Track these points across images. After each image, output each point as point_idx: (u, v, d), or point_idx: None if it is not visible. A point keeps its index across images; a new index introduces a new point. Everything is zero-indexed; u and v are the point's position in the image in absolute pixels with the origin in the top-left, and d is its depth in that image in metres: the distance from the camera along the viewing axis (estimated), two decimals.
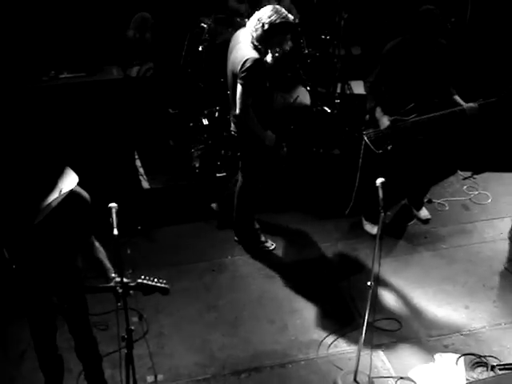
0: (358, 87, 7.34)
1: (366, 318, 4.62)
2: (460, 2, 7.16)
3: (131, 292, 4.05)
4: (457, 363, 5.01)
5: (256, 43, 5.24)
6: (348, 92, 7.39)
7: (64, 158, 5.44)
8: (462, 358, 5.06)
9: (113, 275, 4.18)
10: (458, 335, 5.28)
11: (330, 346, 5.18)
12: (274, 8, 5.20)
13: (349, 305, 5.50)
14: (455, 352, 5.11)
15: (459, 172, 6.94)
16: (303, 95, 6.74)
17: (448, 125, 5.91)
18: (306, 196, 6.56)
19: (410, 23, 5.57)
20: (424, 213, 6.38)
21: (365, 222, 6.23)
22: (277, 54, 5.51)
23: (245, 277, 5.78)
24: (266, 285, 5.70)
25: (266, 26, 5.16)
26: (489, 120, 6.72)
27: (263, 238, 6.04)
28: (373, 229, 6.11)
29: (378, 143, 5.73)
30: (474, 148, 7.06)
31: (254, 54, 5.22)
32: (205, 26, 6.68)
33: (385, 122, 5.62)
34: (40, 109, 5.96)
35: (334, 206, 6.44)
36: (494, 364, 4.99)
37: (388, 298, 5.53)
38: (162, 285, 4.16)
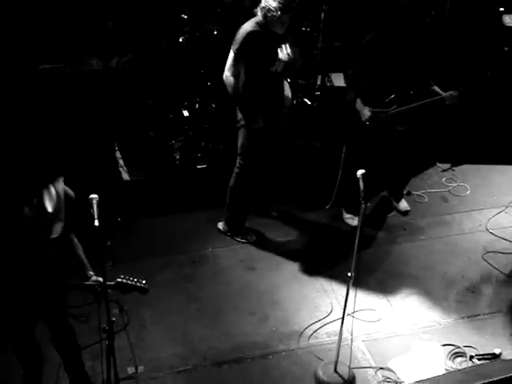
0: (339, 79, 7.35)
1: (346, 308, 4.65)
2: None
3: (109, 291, 4.05)
4: (436, 353, 5.06)
5: (261, 19, 5.37)
6: (328, 84, 7.39)
7: (46, 150, 5.43)
8: (442, 348, 5.10)
9: (90, 273, 4.19)
10: (438, 326, 5.34)
11: (310, 336, 5.21)
12: None
13: (329, 296, 5.53)
14: (434, 342, 5.16)
15: (438, 164, 6.99)
16: (286, 86, 6.72)
17: (428, 115, 5.95)
18: (286, 188, 6.57)
19: (389, 15, 5.60)
20: (403, 204, 6.42)
21: (345, 215, 6.25)
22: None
23: (226, 269, 5.78)
24: (247, 276, 5.71)
25: (274, 4, 5.26)
26: (466, 112, 6.77)
27: (244, 231, 6.06)
28: (353, 221, 6.14)
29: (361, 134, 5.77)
30: (452, 140, 7.11)
31: (249, 27, 5.37)
32: (185, 16, 6.64)
33: (366, 113, 5.63)
34: (20, 99, 5.92)
35: (315, 198, 6.46)
36: (473, 354, 5.05)
37: (368, 289, 5.56)
38: (141, 285, 4.19)
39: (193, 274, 5.72)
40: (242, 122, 5.64)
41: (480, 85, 5.72)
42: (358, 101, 5.65)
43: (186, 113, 6.76)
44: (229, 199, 5.98)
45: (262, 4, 5.34)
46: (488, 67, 7.01)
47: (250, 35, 5.37)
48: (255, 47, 5.40)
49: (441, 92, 5.73)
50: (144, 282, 4.20)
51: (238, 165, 5.84)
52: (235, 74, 5.47)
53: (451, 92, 5.66)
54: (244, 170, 5.82)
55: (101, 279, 4.02)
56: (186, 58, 6.65)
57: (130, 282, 4.15)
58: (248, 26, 5.41)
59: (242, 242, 6.03)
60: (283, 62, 5.53)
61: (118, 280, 4.13)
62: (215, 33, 6.61)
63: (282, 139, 6.04)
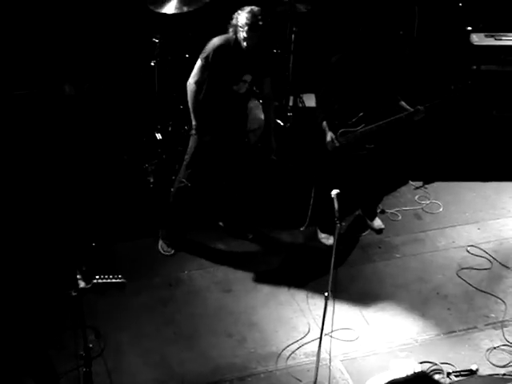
0: (310, 100, 7.41)
1: (324, 328, 4.65)
2: (408, 15, 7.29)
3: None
4: (413, 371, 5.07)
5: (231, 35, 5.46)
6: (300, 105, 7.45)
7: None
8: (419, 365, 5.12)
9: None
10: (414, 343, 5.36)
11: (288, 357, 5.21)
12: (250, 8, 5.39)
13: (306, 316, 5.54)
14: (412, 360, 5.18)
15: (410, 182, 7.04)
16: (256, 109, 6.76)
17: (397, 131, 6.01)
18: (261, 208, 6.58)
19: (354, 36, 5.70)
20: (377, 223, 6.46)
21: (320, 234, 6.27)
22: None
23: (202, 291, 5.76)
24: (224, 298, 5.70)
25: (242, 21, 5.35)
26: (436, 129, 6.84)
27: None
28: (328, 240, 6.16)
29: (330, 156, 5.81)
30: (423, 158, 7.17)
31: (218, 41, 5.49)
32: (156, 41, 6.66)
33: (327, 137, 5.74)
34: None
35: (290, 218, 6.47)
36: (450, 371, 5.07)
37: (344, 308, 5.57)
38: (118, 280, 4.09)
39: (169, 296, 5.69)
40: (193, 131, 5.74)
41: (445, 98, 5.81)
42: (324, 123, 5.73)
43: (159, 136, 6.76)
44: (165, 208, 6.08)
45: (233, 21, 5.43)
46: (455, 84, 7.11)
47: (219, 48, 5.47)
48: (221, 61, 5.49)
49: (408, 108, 5.81)
50: (120, 276, 4.11)
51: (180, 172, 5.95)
52: (198, 82, 5.57)
53: (418, 107, 5.74)
54: (182, 177, 5.91)
55: (81, 283, 3.97)
56: (158, 81, 6.66)
57: (105, 280, 4.06)
58: (218, 40, 5.51)
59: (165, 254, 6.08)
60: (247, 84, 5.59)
61: (94, 281, 4.03)
62: (187, 56, 6.62)
63: (242, 159, 6.05)
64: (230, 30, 5.47)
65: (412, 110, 5.76)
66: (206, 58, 5.50)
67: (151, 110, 6.87)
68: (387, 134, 5.88)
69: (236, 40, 5.47)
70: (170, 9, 6.41)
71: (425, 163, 7.16)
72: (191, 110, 5.67)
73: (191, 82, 5.60)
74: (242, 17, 5.37)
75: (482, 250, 6.17)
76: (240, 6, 5.51)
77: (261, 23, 5.36)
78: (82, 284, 3.96)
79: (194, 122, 5.70)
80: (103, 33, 6.96)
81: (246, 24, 5.35)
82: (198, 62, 5.56)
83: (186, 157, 5.87)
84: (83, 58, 6.84)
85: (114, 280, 4.10)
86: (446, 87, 5.87)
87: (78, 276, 3.92)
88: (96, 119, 6.72)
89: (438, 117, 6.36)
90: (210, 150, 5.79)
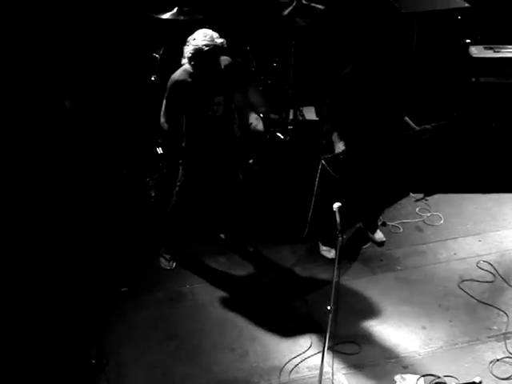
0: (310, 113, 7.43)
1: (326, 341, 4.65)
2: (407, 29, 7.32)
3: None
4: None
5: (188, 66, 5.34)
6: (300, 118, 7.47)
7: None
8: (422, 378, 5.12)
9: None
10: (417, 356, 5.35)
11: (291, 371, 5.19)
12: (203, 32, 5.24)
13: (309, 329, 5.52)
14: (414, 373, 5.17)
15: (411, 194, 7.05)
16: (256, 122, 6.78)
17: (402, 147, 6.04)
18: (261, 222, 6.58)
19: (364, 49, 5.71)
20: (379, 235, 6.46)
21: (322, 247, 6.27)
22: None
23: (204, 305, 5.75)
24: (226, 312, 5.69)
25: (191, 49, 5.21)
26: (436, 142, 6.85)
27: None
28: (330, 253, 6.16)
29: (335, 167, 5.79)
30: (424, 170, 7.19)
31: (176, 75, 5.37)
32: (157, 56, 6.70)
33: (340, 146, 5.68)
34: None
35: (291, 231, 6.48)
36: (453, 383, 5.07)
37: (347, 321, 5.56)
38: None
39: (170, 311, 5.68)
40: (181, 161, 5.73)
41: (451, 121, 5.84)
42: (335, 133, 5.71)
43: (159, 150, 6.78)
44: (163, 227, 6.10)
45: (184, 53, 5.29)
46: (456, 102, 7.13)
47: (175, 84, 5.36)
48: (183, 94, 5.37)
49: (411, 123, 5.83)
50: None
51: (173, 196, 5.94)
52: (169, 120, 5.49)
53: (425, 126, 5.77)
54: (176, 202, 5.90)
55: None
56: (158, 95, 6.68)
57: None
58: (176, 75, 5.40)
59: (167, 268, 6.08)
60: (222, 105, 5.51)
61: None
62: None
63: (236, 179, 6.04)
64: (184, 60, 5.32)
65: (416, 127, 5.79)
66: (167, 98, 5.42)
67: (152, 124, 6.89)
68: (392, 149, 5.92)
69: (192, 69, 5.33)
70: (167, 15, 6.55)
71: (425, 175, 7.18)
72: (170, 146, 5.63)
73: (162, 121, 5.52)
74: (187, 49, 5.21)
75: (487, 262, 6.16)
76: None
77: (207, 48, 5.16)
78: None
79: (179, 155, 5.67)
80: (103, 48, 7.00)
81: (192, 54, 5.20)
82: (164, 102, 5.48)
83: (177, 184, 5.83)
84: (84, 73, 6.86)
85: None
86: (448, 102, 5.89)
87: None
88: (97, 134, 6.73)
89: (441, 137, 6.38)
90: (200, 177, 5.77)
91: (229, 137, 5.74)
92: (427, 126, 5.78)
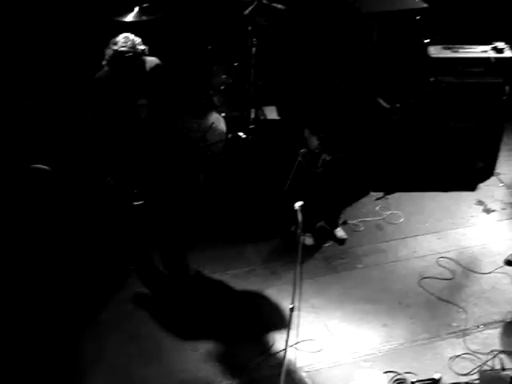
0: (271, 112, 7.45)
1: (289, 340, 4.67)
2: (367, 29, 7.38)
3: None
4: (378, 381, 5.11)
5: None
6: (262, 117, 7.48)
7: None
8: (383, 375, 5.16)
9: None
10: (378, 353, 5.40)
11: (253, 370, 5.20)
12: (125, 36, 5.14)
13: (271, 328, 5.54)
14: (376, 370, 5.22)
15: (372, 193, 7.10)
16: (218, 121, 6.79)
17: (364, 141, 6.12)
18: (223, 222, 6.58)
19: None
20: (340, 233, 6.50)
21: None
22: None
23: (166, 305, 5.74)
24: (188, 312, 5.68)
25: (110, 53, 5.10)
26: (395, 141, 6.91)
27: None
28: (309, 240, 6.25)
29: (312, 162, 5.85)
30: (384, 169, 7.25)
31: (98, 73, 5.25)
32: None
33: (313, 141, 5.74)
34: None
35: (252, 231, 6.49)
36: (414, 380, 5.12)
37: (308, 320, 5.59)
38: None
39: (132, 311, 5.65)
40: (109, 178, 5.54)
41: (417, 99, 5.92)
42: (307, 130, 5.78)
43: None
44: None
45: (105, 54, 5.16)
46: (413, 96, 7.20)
47: (95, 82, 5.24)
48: (103, 94, 5.22)
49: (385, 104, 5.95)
50: None
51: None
52: (93, 121, 5.37)
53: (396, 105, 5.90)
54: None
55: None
56: None
57: None
58: (98, 74, 5.27)
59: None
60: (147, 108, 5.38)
61: None
62: None
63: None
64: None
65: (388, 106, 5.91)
66: (90, 97, 5.29)
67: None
68: (356, 142, 5.98)
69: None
70: (130, 17, 6.56)
71: (386, 174, 7.23)
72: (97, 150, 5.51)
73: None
74: (107, 52, 5.08)
75: (446, 260, 6.23)
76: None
77: (125, 54, 5.02)
78: None
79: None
80: (64, 47, 6.94)
81: (110, 61, 5.08)
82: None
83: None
84: (44, 73, 6.80)
85: None
86: (405, 100, 5.98)
87: None
88: (56, 132, 6.67)
89: (399, 128, 6.44)
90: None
91: (156, 139, 5.49)
92: (397, 105, 5.87)
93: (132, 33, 5.36)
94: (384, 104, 5.90)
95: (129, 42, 5.06)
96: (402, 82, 7.43)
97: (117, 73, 5.14)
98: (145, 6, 6.58)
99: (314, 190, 5.32)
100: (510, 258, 6.24)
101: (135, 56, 5.08)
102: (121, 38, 5.09)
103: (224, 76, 7.08)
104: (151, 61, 5.33)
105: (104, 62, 5.16)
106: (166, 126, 5.52)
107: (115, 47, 5.05)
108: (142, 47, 5.13)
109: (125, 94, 5.25)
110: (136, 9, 6.56)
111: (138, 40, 5.12)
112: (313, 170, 5.79)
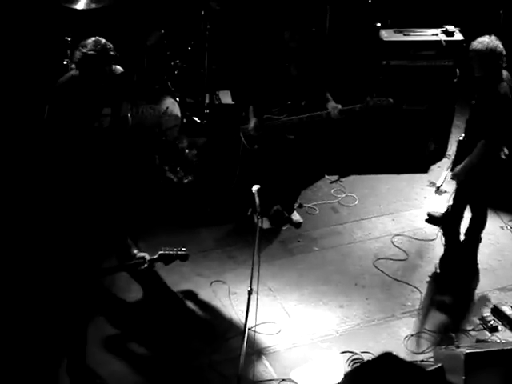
0: (226, 97, 7.46)
1: (247, 323, 4.69)
2: (319, 13, 7.42)
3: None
4: (335, 361, 5.18)
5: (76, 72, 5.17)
6: (216, 102, 7.48)
7: None
8: (340, 355, 5.23)
9: (134, 251, 4.61)
10: (335, 334, 5.47)
11: (212, 353, 5.23)
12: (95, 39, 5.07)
13: (229, 311, 5.57)
14: (333, 350, 5.29)
15: (326, 176, 7.15)
16: (172, 106, 6.77)
17: (317, 126, 6.15)
18: (180, 205, 6.57)
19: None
20: (296, 217, 6.55)
21: (255, 218, 6.28)
22: None
23: (121, 290, 5.70)
24: (144, 299, 5.67)
25: (80, 55, 5.03)
26: (349, 124, 6.98)
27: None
28: (264, 223, 6.31)
29: (251, 140, 5.98)
30: (338, 152, 7.31)
31: (62, 78, 5.21)
32: (68, 39, 6.59)
33: (251, 123, 5.88)
34: None
35: (209, 215, 6.50)
36: (370, 359, 5.19)
37: (266, 302, 5.63)
38: (182, 252, 4.68)
39: None
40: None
41: (362, 108, 5.98)
42: (250, 108, 5.83)
43: None
44: None
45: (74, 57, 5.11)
46: (367, 85, 7.27)
47: (59, 88, 5.18)
48: (67, 101, 5.13)
49: (332, 102, 6.03)
50: (184, 249, 4.66)
51: None
52: (51, 129, 5.21)
53: (336, 106, 5.93)
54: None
55: (146, 255, 4.53)
56: None
57: (171, 252, 4.65)
58: (62, 79, 5.20)
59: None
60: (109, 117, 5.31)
61: (160, 252, 4.59)
62: None
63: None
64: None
65: (330, 109, 5.96)
66: (51, 103, 5.19)
67: None
68: (307, 127, 6.02)
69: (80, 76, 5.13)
70: (80, 5, 6.51)
71: (339, 157, 7.30)
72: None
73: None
74: (76, 54, 5.02)
75: (400, 241, 6.33)
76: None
77: (96, 58, 4.98)
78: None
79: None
80: (18, 31, 6.85)
81: (80, 63, 5.01)
82: (46, 108, 5.23)
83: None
84: None
85: (178, 252, 4.64)
86: (362, 98, 6.03)
87: None
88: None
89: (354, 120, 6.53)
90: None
91: (116, 149, 5.44)
92: (338, 106, 5.97)
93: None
94: (331, 100, 6.00)
95: (99, 46, 4.99)
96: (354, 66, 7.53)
97: (86, 76, 5.05)
98: None
99: (257, 169, 5.43)
100: (431, 212, 6.48)
101: (104, 60, 5.02)
102: (91, 40, 5.02)
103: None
104: (117, 69, 5.25)
105: (72, 65, 5.11)
106: (125, 138, 5.50)
107: (84, 50, 4.98)
108: (112, 53, 5.06)
109: (90, 102, 5.14)
110: None
111: (110, 45, 5.05)
112: (249, 147, 5.87)
